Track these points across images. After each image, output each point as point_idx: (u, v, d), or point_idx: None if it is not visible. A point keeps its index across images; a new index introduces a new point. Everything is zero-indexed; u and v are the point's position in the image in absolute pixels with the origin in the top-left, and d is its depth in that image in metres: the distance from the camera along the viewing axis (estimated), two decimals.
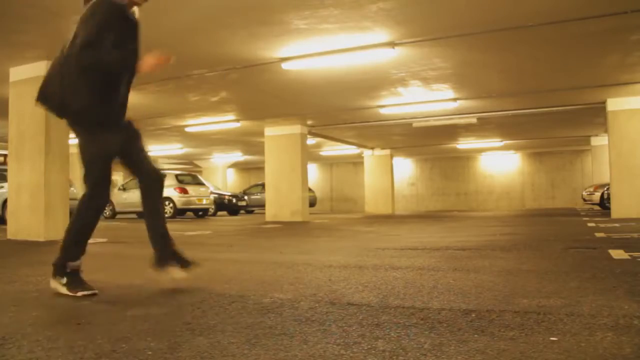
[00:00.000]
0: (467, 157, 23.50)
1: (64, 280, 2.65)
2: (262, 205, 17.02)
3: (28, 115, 7.16)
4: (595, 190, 14.94)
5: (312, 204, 18.46)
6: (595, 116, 12.37)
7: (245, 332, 1.91)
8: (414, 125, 13.16)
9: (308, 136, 14.16)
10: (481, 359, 1.55)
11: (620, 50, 7.34)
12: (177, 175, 15.49)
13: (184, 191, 14.89)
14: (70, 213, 9.36)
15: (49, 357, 1.62)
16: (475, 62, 7.91)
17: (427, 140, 17.84)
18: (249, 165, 26.07)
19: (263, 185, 16.44)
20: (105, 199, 2.77)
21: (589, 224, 8.38)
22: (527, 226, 8.74)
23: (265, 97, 10.14)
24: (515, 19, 5.98)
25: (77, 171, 14.57)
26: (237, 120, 12.53)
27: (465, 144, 19.04)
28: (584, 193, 16.01)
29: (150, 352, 1.66)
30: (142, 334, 1.89)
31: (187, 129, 13.76)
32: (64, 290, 2.64)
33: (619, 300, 2.34)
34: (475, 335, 1.81)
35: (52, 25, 5.95)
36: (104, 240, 6.88)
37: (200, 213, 15.88)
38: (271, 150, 13.76)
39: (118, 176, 25.41)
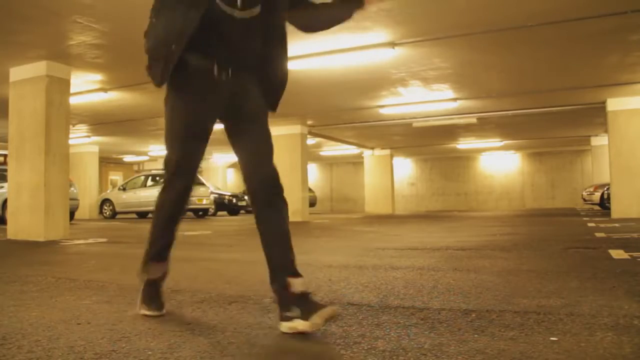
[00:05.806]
0: (467, 157, 23.49)
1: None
2: None
3: (28, 115, 7.17)
4: (595, 190, 14.92)
5: (312, 204, 18.47)
6: (595, 116, 12.37)
7: (245, 332, 1.91)
8: (414, 125, 13.16)
9: (308, 136, 14.15)
10: (481, 359, 1.55)
11: (620, 50, 7.34)
12: None
13: None
14: (71, 213, 9.44)
15: (49, 357, 1.62)
16: (475, 62, 7.91)
17: (427, 140, 17.84)
18: None
19: None
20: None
21: (589, 224, 8.37)
22: (527, 226, 8.73)
23: None
24: (515, 19, 5.98)
25: (77, 171, 14.64)
26: None
27: (465, 144, 19.03)
28: (584, 193, 15.99)
29: (150, 352, 1.65)
30: (142, 334, 1.88)
31: None
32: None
33: (619, 300, 2.34)
34: (475, 335, 1.81)
35: (52, 25, 5.96)
36: (104, 240, 6.89)
37: (200, 213, 15.89)
38: None
39: (118, 176, 25.52)
